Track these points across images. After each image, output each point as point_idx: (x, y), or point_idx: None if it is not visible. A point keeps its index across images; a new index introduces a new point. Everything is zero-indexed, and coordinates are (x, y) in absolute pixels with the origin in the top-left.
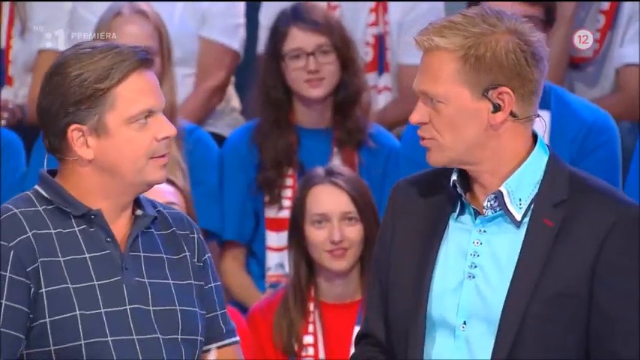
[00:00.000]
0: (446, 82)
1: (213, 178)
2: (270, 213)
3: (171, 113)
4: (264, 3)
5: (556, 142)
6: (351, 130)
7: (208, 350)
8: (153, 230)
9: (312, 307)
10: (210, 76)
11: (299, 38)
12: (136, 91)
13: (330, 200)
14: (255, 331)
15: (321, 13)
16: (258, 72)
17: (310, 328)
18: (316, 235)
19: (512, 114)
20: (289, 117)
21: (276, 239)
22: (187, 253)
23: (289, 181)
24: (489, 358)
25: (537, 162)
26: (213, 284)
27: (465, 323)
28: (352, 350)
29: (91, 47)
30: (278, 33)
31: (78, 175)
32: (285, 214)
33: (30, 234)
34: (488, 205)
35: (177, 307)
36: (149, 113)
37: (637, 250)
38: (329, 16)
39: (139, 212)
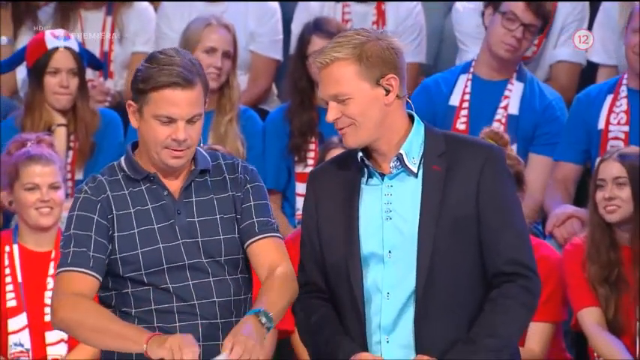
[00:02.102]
0: (350, 81)
1: (259, 145)
2: (299, 169)
3: (237, 100)
4: (295, 16)
5: (524, 107)
6: None
7: (248, 245)
8: (207, 178)
9: None
10: (260, 83)
11: (319, 43)
12: (163, 100)
13: None
14: (289, 253)
15: (335, 24)
16: (289, 68)
17: None
18: None
19: (396, 95)
20: (311, 100)
21: (302, 188)
22: (232, 193)
23: (312, 146)
24: (414, 274)
25: (418, 130)
26: (252, 203)
27: (390, 252)
28: None
29: (162, 55)
30: (303, 39)
31: (140, 143)
32: (310, 169)
33: (109, 194)
34: (393, 165)
35: (221, 237)
36: (170, 119)
37: (504, 177)
38: (341, 26)
39: (192, 167)
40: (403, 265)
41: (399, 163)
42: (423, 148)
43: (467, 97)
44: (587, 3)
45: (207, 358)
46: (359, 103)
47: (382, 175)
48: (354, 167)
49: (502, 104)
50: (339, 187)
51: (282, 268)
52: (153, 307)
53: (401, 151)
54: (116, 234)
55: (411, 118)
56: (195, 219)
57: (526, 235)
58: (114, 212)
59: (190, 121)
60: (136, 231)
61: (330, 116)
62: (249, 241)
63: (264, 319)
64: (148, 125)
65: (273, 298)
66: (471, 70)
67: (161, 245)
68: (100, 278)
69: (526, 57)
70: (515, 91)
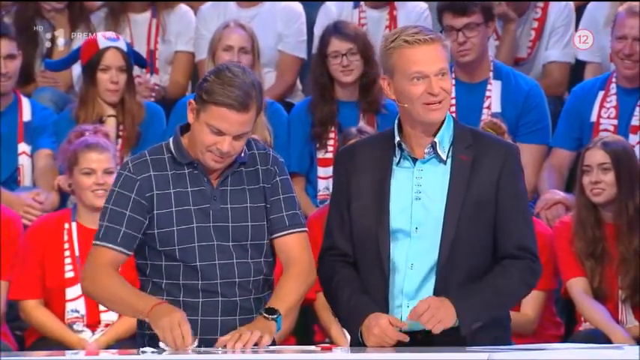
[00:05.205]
0: (445, 60)
1: (284, 134)
2: (320, 154)
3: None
4: (318, 20)
5: (505, 104)
6: (371, 102)
7: (276, 237)
8: (242, 169)
9: None
10: (286, 79)
11: (337, 44)
12: (218, 115)
13: None
14: (312, 230)
15: (352, 28)
16: (311, 66)
17: None
18: None
19: None
20: (331, 94)
21: (323, 171)
22: (263, 184)
23: (331, 135)
24: (437, 249)
25: (449, 124)
26: (281, 196)
27: (416, 228)
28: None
29: (229, 72)
30: (324, 40)
31: (191, 134)
32: (330, 155)
33: (152, 173)
34: (427, 151)
35: (250, 223)
36: (220, 131)
37: (519, 172)
38: (357, 29)
39: (232, 161)
40: (428, 241)
41: (432, 150)
42: (452, 139)
43: (453, 101)
44: (572, 5)
45: (224, 330)
46: (448, 80)
47: (414, 160)
48: (384, 150)
49: (485, 104)
50: (369, 166)
51: (302, 261)
52: (181, 282)
53: (435, 140)
54: (155, 211)
55: None
56: (228, 206)
57: (532, 223)
58: (154, 191)
59: (237, 137)
60: (174, 210)
61: (436, 88)
62: (279, 234)
63: (270, 317)
64: (200, 127)
65: (287, 291)
66: (453, 75)
67: (195, 225)
68: (127, 252)
69: (521, 58)
70: (494, 90)
